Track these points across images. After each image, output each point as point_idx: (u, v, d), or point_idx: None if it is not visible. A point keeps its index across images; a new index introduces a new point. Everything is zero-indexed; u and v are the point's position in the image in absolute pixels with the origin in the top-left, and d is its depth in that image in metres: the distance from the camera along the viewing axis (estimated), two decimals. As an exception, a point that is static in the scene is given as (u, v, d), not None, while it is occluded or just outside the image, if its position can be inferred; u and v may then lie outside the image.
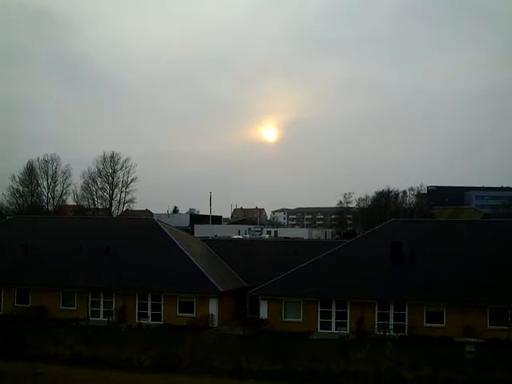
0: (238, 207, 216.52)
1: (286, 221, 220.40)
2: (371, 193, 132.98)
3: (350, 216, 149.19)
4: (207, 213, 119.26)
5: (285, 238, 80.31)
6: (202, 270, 37.76)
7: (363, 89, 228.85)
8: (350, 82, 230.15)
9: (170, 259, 39.23)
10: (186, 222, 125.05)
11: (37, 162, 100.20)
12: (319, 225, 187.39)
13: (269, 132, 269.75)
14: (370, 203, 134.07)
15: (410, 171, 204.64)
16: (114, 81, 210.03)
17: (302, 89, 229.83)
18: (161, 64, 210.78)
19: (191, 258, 39.07)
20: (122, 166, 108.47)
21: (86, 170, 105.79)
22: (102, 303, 38.02)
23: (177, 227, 53.04)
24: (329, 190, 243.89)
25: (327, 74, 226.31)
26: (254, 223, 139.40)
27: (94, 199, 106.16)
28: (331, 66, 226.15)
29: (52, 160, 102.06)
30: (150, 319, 36.93)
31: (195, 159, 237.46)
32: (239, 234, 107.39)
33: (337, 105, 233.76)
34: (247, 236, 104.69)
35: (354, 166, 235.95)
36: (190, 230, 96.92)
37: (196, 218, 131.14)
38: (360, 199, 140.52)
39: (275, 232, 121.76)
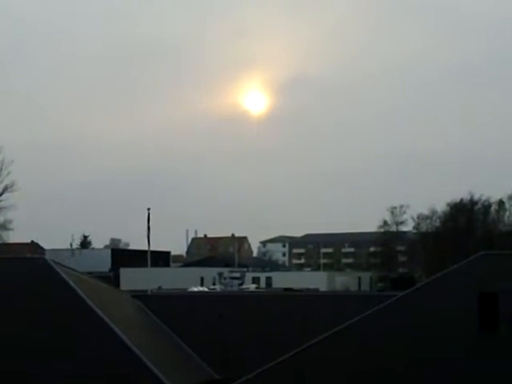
0: (200, 235, 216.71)
1: (286, 258, 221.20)
2: (441, 205, 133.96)
3: (402, 248, 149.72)
4: (143, 247, 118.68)
5: (285, 289, 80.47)
6: (136, 351, 37.76)
7: (420, 16, 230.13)
8: (396, 5, 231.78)
9: (77, 334, 39.15)
10: (106, 264, 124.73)
11: None
12: (347, 264, 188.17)
13: (250, 98, 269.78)
14: (438, 224, 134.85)
15: (510, 168, 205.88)
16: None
17: (310, 21, 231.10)
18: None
19: (115, 330, 39.06)
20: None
21: None
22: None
23: (89, 273, 53.64)
24: (363, 202, 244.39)
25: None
26: (229, 264, 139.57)
27: None
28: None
29: None
30: None
31: (118, 150, 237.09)
32: (202, 285, 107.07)
33: (372, 49, 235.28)
34: (217, 287, 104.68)
35: (406, 159, 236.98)
36: (112, 278, 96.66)
37: (123, 257, 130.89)
38: (420, 217, 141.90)
39: (268, 279, 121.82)
